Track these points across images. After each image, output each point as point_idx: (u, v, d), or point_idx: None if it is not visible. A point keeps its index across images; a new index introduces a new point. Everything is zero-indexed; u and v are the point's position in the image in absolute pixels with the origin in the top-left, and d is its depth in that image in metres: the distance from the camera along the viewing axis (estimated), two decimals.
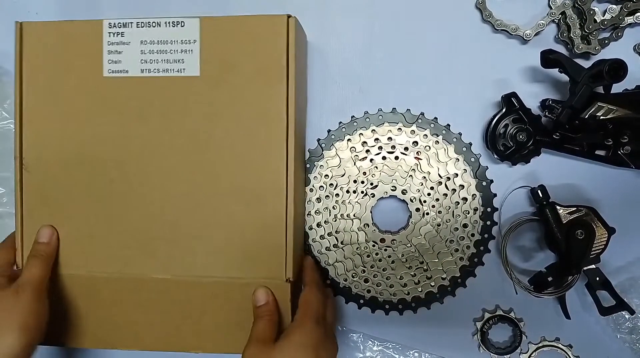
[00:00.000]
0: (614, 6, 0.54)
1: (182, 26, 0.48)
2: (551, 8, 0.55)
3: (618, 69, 0.47)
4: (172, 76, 0.49)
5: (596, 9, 0.54)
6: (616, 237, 0.53)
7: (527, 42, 0.55)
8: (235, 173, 0.49)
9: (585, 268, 0.53)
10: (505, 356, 0.57)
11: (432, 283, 0.56)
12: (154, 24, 0.49)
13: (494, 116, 0.54)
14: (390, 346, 0.58)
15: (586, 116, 0.50)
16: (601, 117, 0.50)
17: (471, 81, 0.56)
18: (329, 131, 0.56)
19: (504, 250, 0.55)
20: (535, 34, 0.55)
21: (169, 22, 0.49)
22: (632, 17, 0.54)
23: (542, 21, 0.54)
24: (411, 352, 0.58)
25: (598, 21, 0.53)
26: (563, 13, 0.54)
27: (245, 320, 0.49)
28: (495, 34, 0.56)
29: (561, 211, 0.53)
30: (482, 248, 0.55)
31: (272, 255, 0.49)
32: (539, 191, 0.54)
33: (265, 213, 0.48)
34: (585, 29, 0.53)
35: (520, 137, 0.52)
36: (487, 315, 0.57)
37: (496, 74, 0.56)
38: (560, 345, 0.57)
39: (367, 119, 0.56)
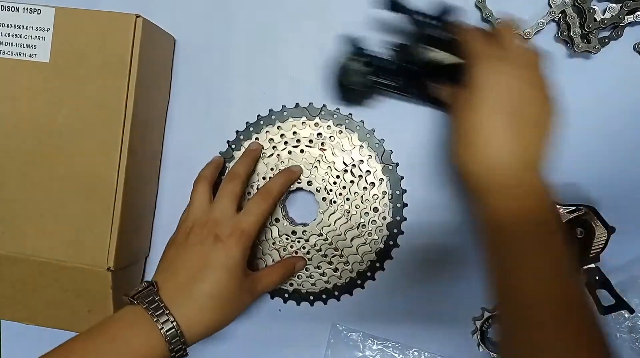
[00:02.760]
0: (614, 5, 0.53)
1: (38, 13, 0.50)
2: (551, 7, 0.54)
3: (444, 13, 0.49)
4: (23, 59, 0.51)
5: (596, 7, 0.54)
6: (616, 236, 0.53)
7: (527, 41, 0.55)
8: (71, 160, 0.51)
9: (585, 267, 0.53)
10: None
11: (351, 270, 0.57)
12: (12, 9, 0.51)
13: (340, 59, 0.54)
14: (389, 345, 0.58)
15: (413, 59, 0.51)
16: (426, 60, 0.50)
17: None
18: (237, 131, 0.57)
19: None
20: (535, 33, 0.54)
21: (26, 9, 0.51)
22: (632, 16, 0.53)
23: (542, 20, 0.54)
24: (410, 351, 0.58)
25: (598, 20, 0.53)
26: (563, 12, 0.54)
27: (70, 301, 0.53)
28: None
29: (560, 210, 0.53)
30: (395, 230, 0.56)
31: (97, 244, 0.51)
32: None
33: (95, 203, 0.51)
34: (585, 27, 0.53)
35: (365, 78, 0.53)
36: (486, 314, 0.57)
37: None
38: None
39: (273, 117, 0.57)
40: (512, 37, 0.47)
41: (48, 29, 0.50)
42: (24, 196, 0.51)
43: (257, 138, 0.57)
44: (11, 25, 0.51)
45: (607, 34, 0.55)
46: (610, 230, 0.52)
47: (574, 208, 0.53)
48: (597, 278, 0.52)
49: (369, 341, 0.58)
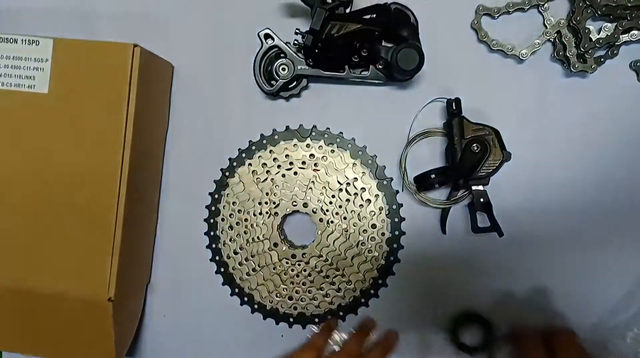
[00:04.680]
0: (609, 24, 0.54)
1: (36, 45, 0.51)
2: (546, 27, 0.55)
3: None
4: (22, 91, 0.51)
5: (591, 27, 0.54)
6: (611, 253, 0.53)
7: (523, 61, 0.55)
8: (71, 191, 0.51)
9: (473, 188, 0.54)
10: (479, 356, 0.56)
11: (354, 288, 0.56)
12: (11, 40, 0.51)
13: (256, 55, 0.54)
14: None
15: (324, 37, 0.51)
16: (335, 35, 0.51)
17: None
18: (230, 159, 0.57)
19: (404, 159, 0.56)
20: (531, 54, 0.55)
21: (25, 40, 0.51)
22: (627, 34, 0.54)
23: (537, 40, 0.55)
24: None
25: (593, 40, 0.53)
26: (558, 32, 0.54)
27: (71, 332, 0.52)
28: (491, 54, 0.56)
29: (468, 126, 0.53)
30: (395, 245, 0.56)
31: (97, 274, 0.50)
32: (453, 103, 0.54)
33: (94, 234, 0.50)
34: (581, 47, 0.53)
35: (283, 70, 0.54)
36: (459, 316, 0.56)
37: (489, 89, 0.56)
38: None
39: (264, 141, 0.57)
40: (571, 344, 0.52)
41: (46, 60, 0.50)
42: (24, 227, 0.51)
43: (250, 164, 0.57)
44: (10, 57, 0.51)
45: (602, 53, 0.55)
46: (505, 155, 0.53)
47: (481, 126, 0.53)
48: (481, 200, 0.54)
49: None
